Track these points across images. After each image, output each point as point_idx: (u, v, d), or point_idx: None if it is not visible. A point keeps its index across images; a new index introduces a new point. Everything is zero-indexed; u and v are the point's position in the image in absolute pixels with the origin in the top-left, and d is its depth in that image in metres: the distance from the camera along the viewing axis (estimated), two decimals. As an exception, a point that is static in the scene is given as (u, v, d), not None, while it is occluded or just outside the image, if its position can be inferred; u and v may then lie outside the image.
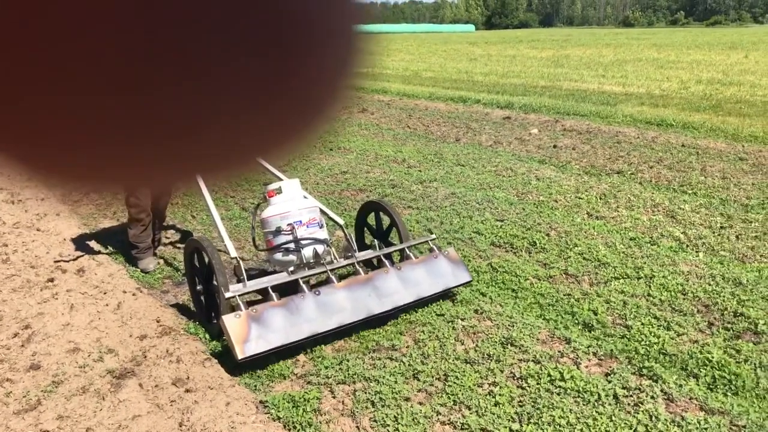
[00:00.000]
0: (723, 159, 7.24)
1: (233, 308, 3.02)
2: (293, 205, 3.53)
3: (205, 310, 3.53)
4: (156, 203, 4.41)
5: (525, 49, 31.67)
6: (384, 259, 3.60)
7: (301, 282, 3.20)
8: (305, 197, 3.67)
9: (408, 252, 3.64)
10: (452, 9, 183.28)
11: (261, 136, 0.28)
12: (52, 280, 4.12)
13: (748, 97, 12.10)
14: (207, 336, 3.41)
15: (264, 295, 3.23)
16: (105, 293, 3.90)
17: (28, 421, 2.68)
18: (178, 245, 4.89)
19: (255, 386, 2.95)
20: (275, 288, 3.14)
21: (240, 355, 2.84)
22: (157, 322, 3.51)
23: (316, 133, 0.29)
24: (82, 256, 4.54)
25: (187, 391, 2.86)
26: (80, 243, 4.82)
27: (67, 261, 4.44)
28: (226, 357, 3.19)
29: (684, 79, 15.40)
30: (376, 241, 3.92)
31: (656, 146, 8.03)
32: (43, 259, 4.50)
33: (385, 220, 4.08)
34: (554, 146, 8.17)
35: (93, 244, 4.83)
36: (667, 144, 8.12)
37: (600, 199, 5.80)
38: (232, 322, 2.89)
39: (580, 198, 5.83)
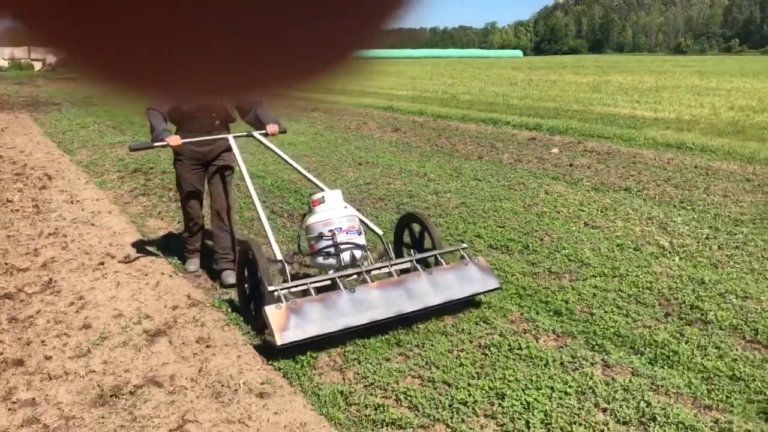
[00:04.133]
0: (730, 179, 7.60)
1: (276, 301, 3.34)
2: (335, 213, 3.88)
3: (249, 306, 3.84)
4: (218, 206, 4.60)
5: (568, 75, 32.01)
6: (416, 264, 3.85)
7: (338, 280, 3.54)
8: (346, 207, 4.02)
9: (440, 259, 3.92)
10: (501, 35, 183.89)
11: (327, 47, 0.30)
12: (102, 263, 4.81)
13: (776, 123, 12.30)
14: (230, 308, 4.02)
15: (304, 294, 3.53)
16: (146, 275, 4.57)
17: (80, 364, 3.32)
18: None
19: (264, 348, 3.53)
20: (314, 287, 3.51)
21: (279, 342, 3.17)
22: (188, 297, 4.15)
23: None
24: (129, 246, 5.23)
25: (208, 346, 3.47)
26: (128, 236, 5.52)
27: (116, 250, 5.13)
28: (243, 325, 3.79)
29: (717, 105, 15.60)
30: (412, 250, 4.21)
31: (669, 167, 8.41)
32: (95, 247, 5.21)
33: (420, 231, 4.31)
34: (570, 165, 8.63)
35: (139, 237, 5.53)
36: (680, 165, 8.50)
37: (600, 212, 6.25)
38: (273, 312, 3.23)
39: (582, 210, 6.29)
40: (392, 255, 4.07)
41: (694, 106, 15.55)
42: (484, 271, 3.93)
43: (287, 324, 3.22)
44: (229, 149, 4.50)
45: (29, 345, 3.54)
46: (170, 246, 5.23)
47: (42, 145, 11.05)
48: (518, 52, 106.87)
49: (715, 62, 50.63)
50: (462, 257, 3.99)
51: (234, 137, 4.37)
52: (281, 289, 3.39)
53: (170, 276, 4.55)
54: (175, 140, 4.17)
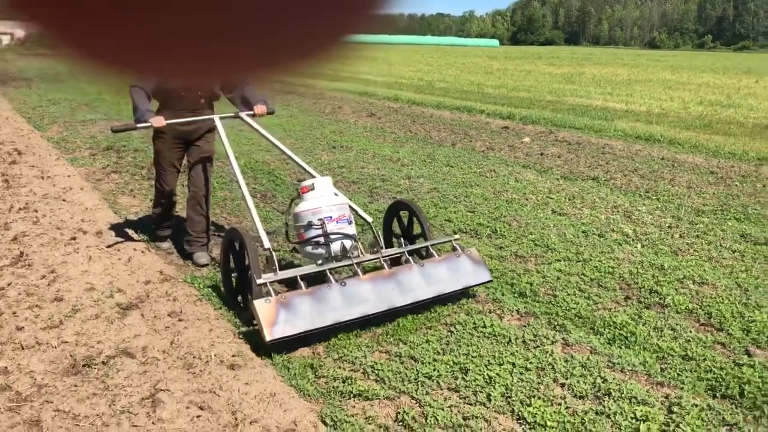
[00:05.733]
0: (694, 171, 7.81)
1: (265, 294, 3.27)
2: (324, 201, 3.74)
3: (235, 295, 3.78)
4: (196, 188, 4.55)
5: (543, 66, 32.29)
6: (408, 256, 3.78)
7: (328, 273, 3.45)
8: (336, 194, 3.88)
9: (431, 250, 3.84)
10: (479, 23, 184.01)
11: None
12: (74, 238, 4.82)
13: (742, 118, 12.62)
14: (202, 284, 4.07)
15: (293, 284, 3.47)
16: (119, 250, 4.59)
17: (52, 335, 3.35)
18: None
19: (235, 322, 3.61)
20: (304, 278, 3.40)
21: (268, 337, 3.08)
22: (161, 272, 4.19)
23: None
24: (101, 222, 5.24)
25: (180, 320, 3.53)
26: (100, 212, 5.52)
27: (88, 225, 5.14)
28: (215, 300, 3.85)
29: (686, 99, 15.92)
30: (402, 240, 4.11)
31: (637, 158, 8.60)
32: (67, 223, 5.21)
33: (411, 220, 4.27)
34: (541, 154, 8.78)
35: (111, 214, 5.53)
36: (648, 157, 8.70)
37: (568, 199, 6.40)
38: (262, 307, 3.15)
39: (550, 198, 6.44)
40: (382, 244, 3.98)
41: (664, 100, 15.86)
42: (477, 263, 3.86)
43: (276, 319, 3.14)
44: (212, 129, 4.48)
45: (0, 316, 3.56)
46: (143, 223, 5.25)
47: (11, 120, 10.89)
48: (495, 42, 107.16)
49: (688, 57, 51.42)
50: (454, 248, 3.92)
51: (221, 118, 4.26)
52: (270, 282, 3.31)
53: (143, 252, 4.58)
54: (159, 121, 4.03)
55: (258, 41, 0.30)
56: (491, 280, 3.96)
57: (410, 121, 11.81)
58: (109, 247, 4.67)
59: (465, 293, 3.93)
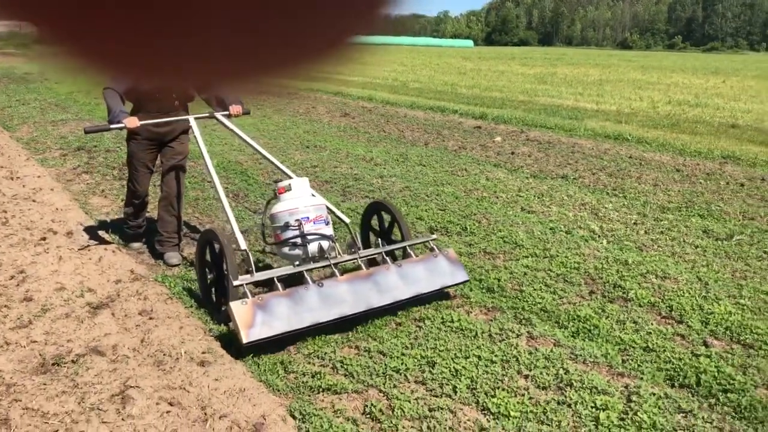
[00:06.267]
0: (661, 170, 7.98)
1: (241, 296, 3.27)
2: (301, 202, 3.74)
3: (215, 299, 3.74)
4: (169, 189, 4.54)
5: (516, 66, 32.55)
6: (385, 256, 3.80)
7: (305, 274, 3.45)
8: (313, 195, 3.89)
9: (409, 250, 3.88)
10: (453, 24, 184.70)
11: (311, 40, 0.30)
12: (44, 239, 4.80)
13: (708, 118, 12.88)
14: (173, 283, 4.09)
15: (270, 285, 3.48)
16: (89, 250, 4.59)
17: (21, 334, 3.36)
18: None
19: (206, 320, 3.63)
20: (281, 279, 3.40)
21: (245, 339, 3.07)
22: (131, 272, 4.20)
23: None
24: (72, 222, 5.22)
25: (150, 318, 3.55)
26: (70, 213, 5.49)
27: (58, 226, 5.12)
28: (185, 298, 3.88)
29: (656, 99, 16.19)
30: (379, 240, 4.14)
31: (606, 157, 8.75)
32: (37, 223, 5.19)
33: (390, 220, 4.29)
34: (512, 153, 8.90)
35: (81, 214, 5.51)
36: (616, 155, 8.86)
37: (537, 197, 6.52)
38: (239, 309, 3.13)
39: (520, 196, 6.54)
40: (360, 245, 3.99)
41: (634, 99, 16.11)
42: (454, 263, 3.90)
43: (253, 321, 3.13)
44: (187, 131, 4.49)
45: (-31, 317, 3.55)
46: (114, 223, 5.24)
47: (-20, 120, 10.74)
48: (469, 42, 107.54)
49: (658, 58, 52.14)
50: (431, 249, 3.94)
51: (195, 118, 4.27)
52: (247, 284, 3.32)
53: (113, 252, 4.58)
54: (132, 122, 4.03)
55: (263, 43, 0.29)
56: (468, 280, 4.00)
57: (384, 121, 11.87)
58: (79, 247, 4.66)
59: (435, 290, 4.00)
